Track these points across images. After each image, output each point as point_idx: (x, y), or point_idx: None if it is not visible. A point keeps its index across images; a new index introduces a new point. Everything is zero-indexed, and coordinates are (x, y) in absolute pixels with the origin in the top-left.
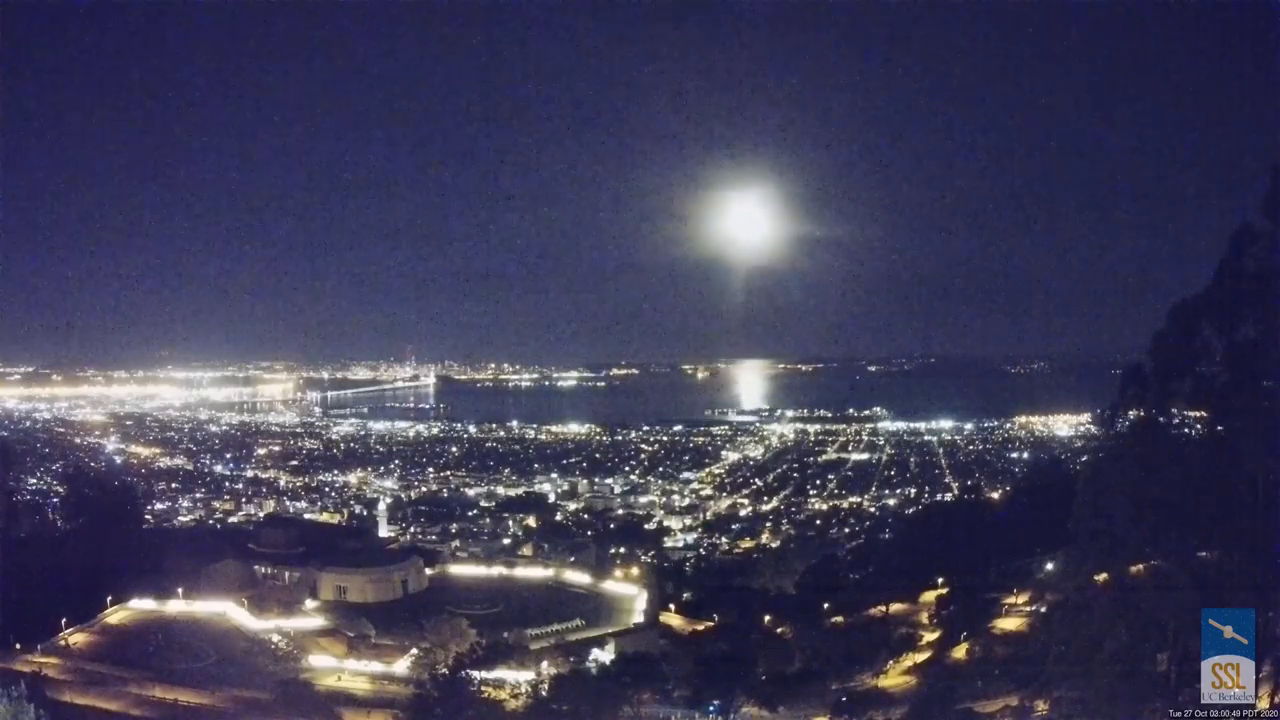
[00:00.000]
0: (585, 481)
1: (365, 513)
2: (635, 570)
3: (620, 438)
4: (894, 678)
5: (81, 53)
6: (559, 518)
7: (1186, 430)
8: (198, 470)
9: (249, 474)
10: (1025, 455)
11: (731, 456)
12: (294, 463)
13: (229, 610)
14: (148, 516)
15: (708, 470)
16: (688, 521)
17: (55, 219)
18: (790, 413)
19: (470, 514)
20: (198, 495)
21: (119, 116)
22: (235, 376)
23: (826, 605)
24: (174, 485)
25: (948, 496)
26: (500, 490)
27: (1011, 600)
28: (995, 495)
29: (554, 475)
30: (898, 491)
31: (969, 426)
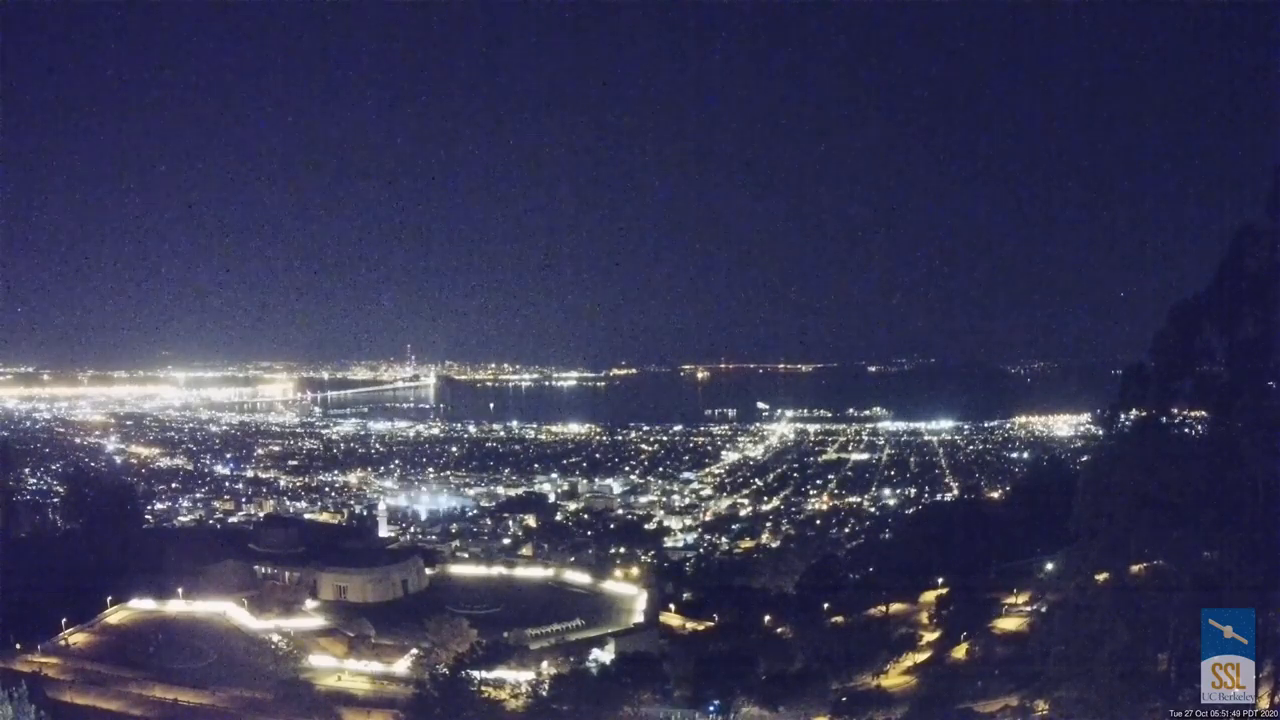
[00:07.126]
0: (585, 481)
1: (365, 513)
2: (635, 570)
3: (620, 438)
4: (894, 678)
5: (81, 52)
6: (559, 518)
7: (1187, 430)
8: (198, 470)
9: (249, 474)
10: (1025, 455)
11: (731, 456)
12: (294, 463)
13: (229, 610)
14: (148, 516)
15: (707, 470)
16: (688, 521)
17: (55, 219)
18: (790, 413)
19: (470, 514)
20: (198, 495)
21: (118, 116)
22: (235, 376)
23: (826, 605)
24: (174, 485)
25: (948, 496)
26: (500, 490)
27: (1011, 600)
28: (995, 495)
29: (554, 475)
30: (898, 491)
31: (968, 427)
